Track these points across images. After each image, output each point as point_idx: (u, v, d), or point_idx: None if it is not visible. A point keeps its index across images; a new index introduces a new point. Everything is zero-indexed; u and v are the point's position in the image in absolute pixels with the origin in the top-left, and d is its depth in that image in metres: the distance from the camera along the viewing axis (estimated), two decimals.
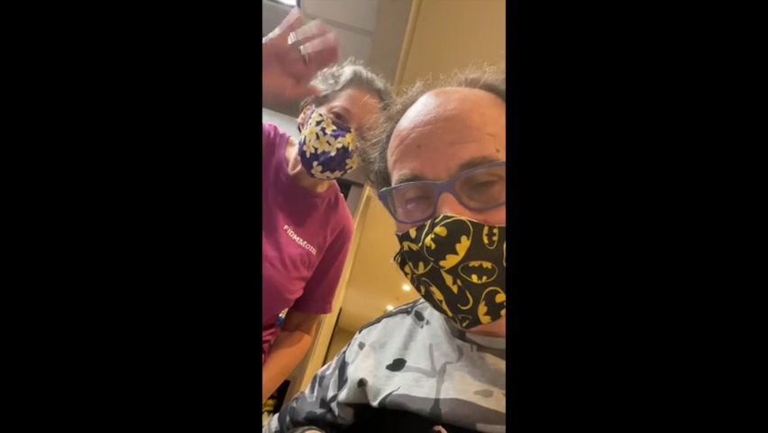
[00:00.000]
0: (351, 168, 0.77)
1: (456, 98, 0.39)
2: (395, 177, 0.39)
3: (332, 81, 0.78)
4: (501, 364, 0.36)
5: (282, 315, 0.94)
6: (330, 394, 0.47)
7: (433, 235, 0.33)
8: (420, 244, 0.35)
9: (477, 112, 0.37)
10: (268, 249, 0.77)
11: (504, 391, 0.34)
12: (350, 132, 0.74)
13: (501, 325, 0.37)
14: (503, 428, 0.31)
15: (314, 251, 0.83)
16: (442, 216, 0.34)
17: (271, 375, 0.81)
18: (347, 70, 0.78)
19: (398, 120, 0.42)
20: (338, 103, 0.75)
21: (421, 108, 0.39)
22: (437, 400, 0.35)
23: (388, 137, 0.43)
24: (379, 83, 0.78)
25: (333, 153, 0.73)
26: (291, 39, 0.58)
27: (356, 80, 0.77)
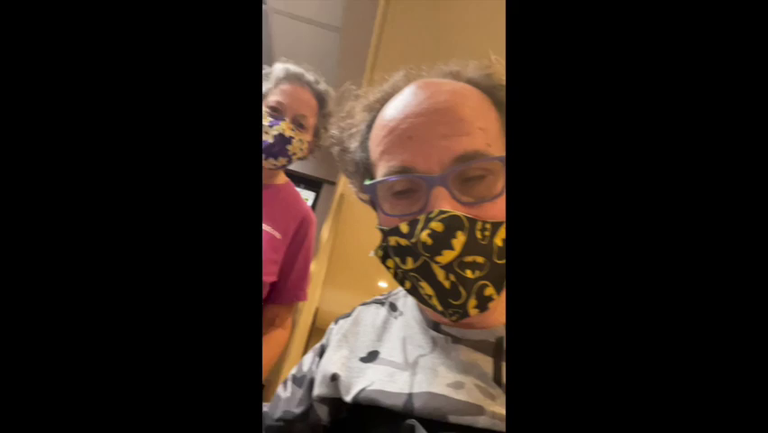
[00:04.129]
0: (294, 154, 0.87)
1: (446, 90, 0.38)
2: (382, 168, 0.38)
3: (266, 81, 0.89)
4: (474, 356, 0.36)
5: None
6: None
7: (429, 231, 0.33)
8: (414, 240, 0.34)
9: (467, 105, 0.37)
10: None
11: (476, 382, 0.34)
12: (284, 120, 0.85)
13: (479, 316, 0.37)
14: (474, 418, 0.32)
15: (279, 235, 0.88)
16: (437, 211, 0.33)
17: None
18: (277, 68, 0.89)
19: (379, 109, 0.41)
20: (273, 98, 0.86)
21: (410, 99, 0.38)
22: (410, 395, 0.35)
23: (369, 127, 0.42)
24: (309, 76, 0.89)
25: (270, 141, 0.84)
26: None
27: (287, 76, 0.88)
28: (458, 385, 0.34)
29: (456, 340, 0.38)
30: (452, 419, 0.32)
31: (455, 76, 0.41)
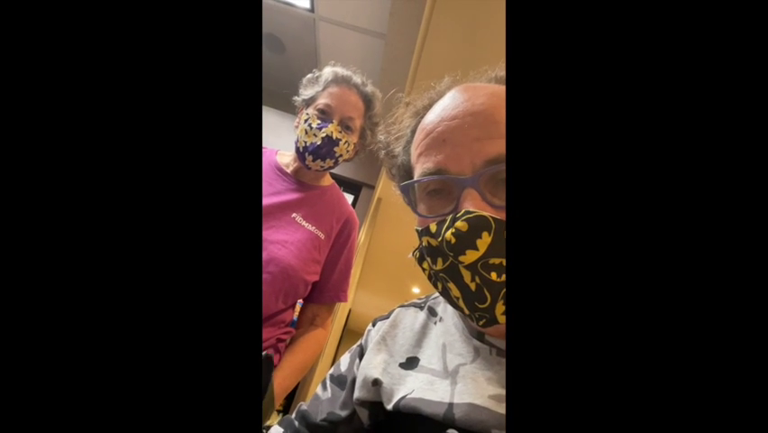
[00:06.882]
0: (341, 156, 0.88)
1: (484, 94, 0.38)
2: (418, 170, 0.39)
3: (315, 84, 0.91)
4: None
5: (296, 316, 0.94)
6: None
7: (453, 230, 0.33)
8: (440, 239, 0.34)
9: (504, 107, 0.36)
10: (278, 234, 0.83)
11: None
12: (332, 122, 0.86)
13: None
14: None
15: (322, 236, 0.89)
16: (463, 210, 0.33)
17: (287, 373, 0.81)
18: (326, 71, 0.91)
19: (424, 115, 0.42)
20: (321, 101, 0.88)
21: (448, 103, 0.39)
22: (451, 405, 0.35)
23: (413, 132, 0.43)
24: (357, 78, 0.90)
25: (318, 142, 0.85)
26: None
27: (335, 79, 0.89)
28: (501, 398, 0.34)
29: (501, 353, 0.37)
30: (495, 432, 0.32)
31: (500, 80, 0.41)
